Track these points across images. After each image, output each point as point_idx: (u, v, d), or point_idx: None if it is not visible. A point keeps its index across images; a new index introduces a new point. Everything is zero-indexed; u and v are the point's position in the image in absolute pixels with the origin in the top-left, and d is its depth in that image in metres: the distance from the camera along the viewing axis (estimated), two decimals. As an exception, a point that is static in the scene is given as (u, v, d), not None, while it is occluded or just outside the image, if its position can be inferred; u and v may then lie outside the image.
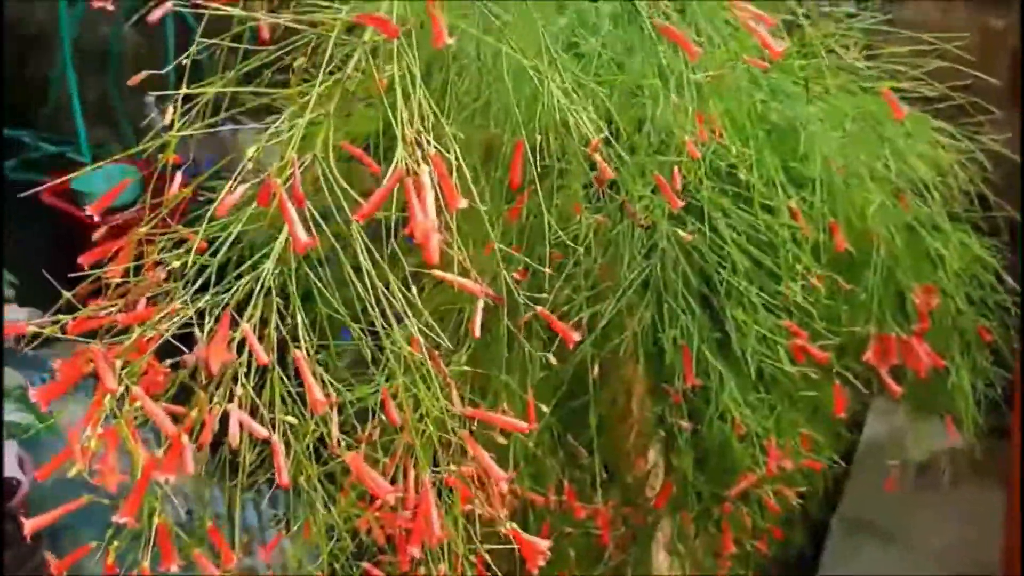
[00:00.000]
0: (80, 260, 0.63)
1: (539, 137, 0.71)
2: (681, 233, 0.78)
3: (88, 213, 0.64)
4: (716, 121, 0.83)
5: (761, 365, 0.91)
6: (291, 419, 0.56)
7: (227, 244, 0.60)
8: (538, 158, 0.72)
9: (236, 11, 0.60)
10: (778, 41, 0.69)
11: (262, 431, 0.53)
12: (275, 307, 0.59)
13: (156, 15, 0.58)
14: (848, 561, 1.75)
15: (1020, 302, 1.21)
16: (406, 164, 0.50)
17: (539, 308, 0.65)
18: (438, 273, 0.59)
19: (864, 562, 1.74)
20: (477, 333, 0.58)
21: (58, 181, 0.82)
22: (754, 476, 0.92)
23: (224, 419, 0.53)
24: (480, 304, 0.58)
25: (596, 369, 0.83)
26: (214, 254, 0.60)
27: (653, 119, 0.81)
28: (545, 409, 0.80)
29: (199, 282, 0.58)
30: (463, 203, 0.53)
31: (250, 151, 0.53)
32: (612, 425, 0.93)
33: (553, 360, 0.69)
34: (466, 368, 0.71)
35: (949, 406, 1.21)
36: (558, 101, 0.65)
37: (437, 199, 0.52)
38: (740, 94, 0.87)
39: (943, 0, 1.80)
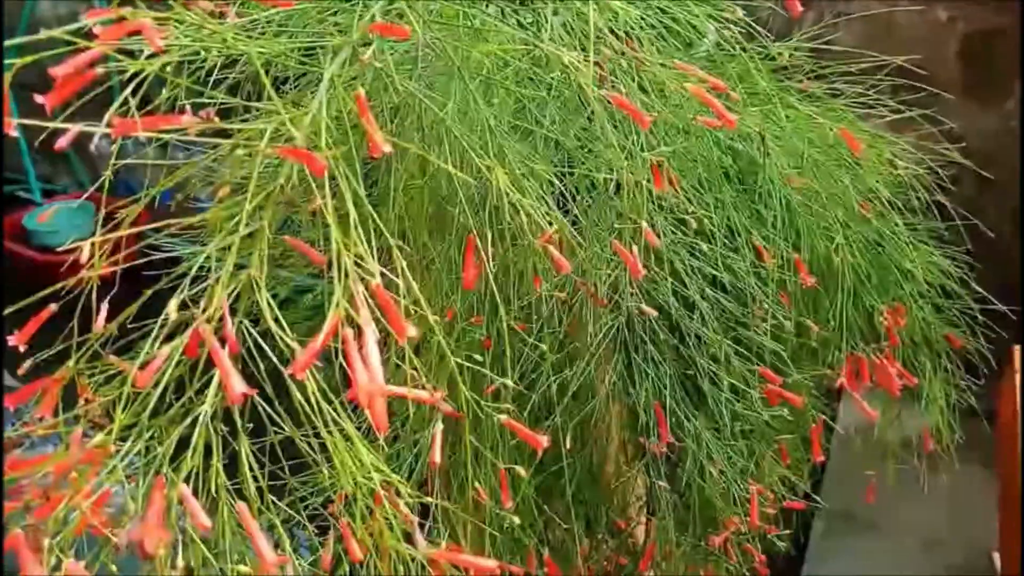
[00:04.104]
0: (7, 403, 0.59)
1: (491, 212, 0.68)
2: (644, 308, 0.75)
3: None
4: (673, 170, 0.80)
5: (735, 413, 0.89)
6: (245, 569, 0.53)
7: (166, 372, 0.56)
8: (494, 222, 0.69)
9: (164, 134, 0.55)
10: (734, 106, 0.66)
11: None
12: (219, 438, 0.55)
13: (63, 143, 0.54)
14: (832, 556, 1.75)
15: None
16: (344, 311, 0.46)
17: (504, 418, 0.62)
18: (394, 390, 0.55)
19: (849, 555, 1.74)
20: (437, 460, 0.55)
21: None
22: (736, 524, 0.90)
23: None
24: (439, 427, 0.55)
25: (568, 440, 0.80)
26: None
27: (606, 177, 0.78)
28: (521, 472, 0.76)
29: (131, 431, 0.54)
30: (412, 332, 0.49)
31: (172, 306, 0.49)
32: (591, 487, 0.91)
33: (522, 471, 0.66)
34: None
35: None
36: (506, 192, 0.61)
37: (384, 330, 0.48)
38: (698, 142, 0.84)
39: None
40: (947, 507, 1.69)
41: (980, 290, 1.20)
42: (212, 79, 0.71)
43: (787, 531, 0.99)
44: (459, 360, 0.63)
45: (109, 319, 0.60)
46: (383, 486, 0.53)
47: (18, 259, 2.26)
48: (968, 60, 1.80)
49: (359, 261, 0.50)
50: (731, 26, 0.86)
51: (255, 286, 0.55)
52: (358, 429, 0.59)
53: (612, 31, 0.72)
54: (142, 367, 0.48)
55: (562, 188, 0.81)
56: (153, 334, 0.51)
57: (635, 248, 0.68)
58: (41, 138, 0.58)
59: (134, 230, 0.56)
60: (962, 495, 1.65)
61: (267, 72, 0.67)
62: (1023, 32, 1.69)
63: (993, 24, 1.77)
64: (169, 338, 0.53)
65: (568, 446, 0.80)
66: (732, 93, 0.74)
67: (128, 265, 0.59)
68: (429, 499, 0.60)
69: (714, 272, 0.88)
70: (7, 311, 0.63)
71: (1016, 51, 1.72)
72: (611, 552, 0.96)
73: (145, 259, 0.69)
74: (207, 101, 0.62)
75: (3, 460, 0.55)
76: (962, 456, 1.34)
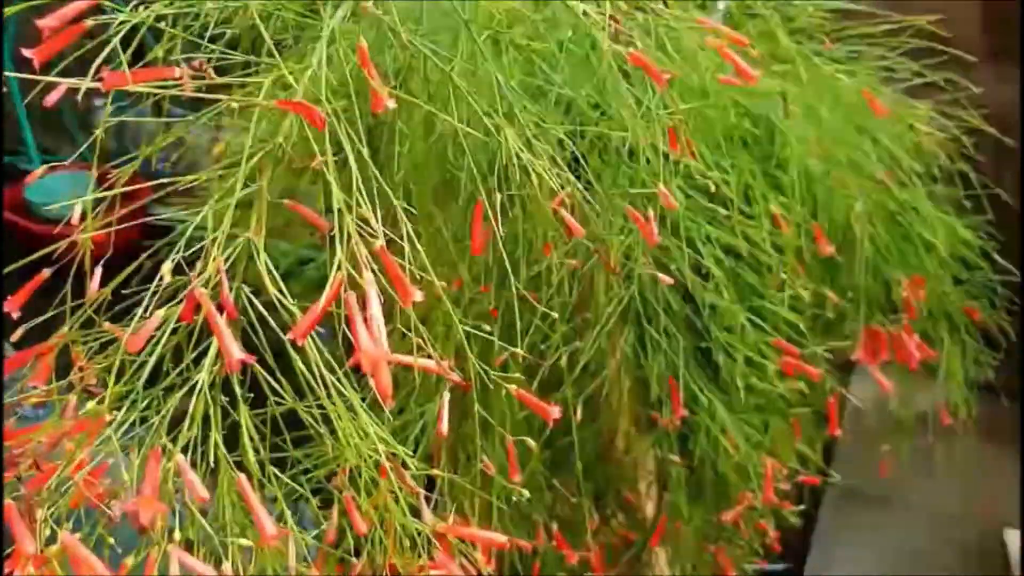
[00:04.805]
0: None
1: (500, 176, 0.65)
2: (661, 276, 0.73)
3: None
4: (689, 133, 0.77)
5: (750, 385, 0.86)
6: (245, 542, 0.51)
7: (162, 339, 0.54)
8: (503, 187, 0.66)
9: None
10: (753, 66, 0.63)
11: (205, 568, 0.47)
12: (218, 408, 0.53)
13: (52, 97, 0.51)
14: (843, 531, 1.73)
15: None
16: (346, 272, 0.43)
17: (514, 388, 0.59)
18: (400, 358, 0.53)
19: (859, 530, 1.72)
20: (444, 431, 0.52)
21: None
22: (749, 499, 0.88)
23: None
24: (446, 397, 0.53)
25: (579, 411, 0.77)
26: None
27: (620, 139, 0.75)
28: (531, 444, 0.74)
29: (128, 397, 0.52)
30: (418, 296, 0.47)
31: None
32: (601, 461, 0.88)
33: (532, 443, 0.64)
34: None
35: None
36: (517, 153, 0.58)
37: (389, 298, 0.46)
38: (715, 105, 0.81)
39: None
40: (961, 483, 1.67)
41: (1002, 261, 1.16)
42: (208, 34, 0.68)
43: (800, 506, 0.98)
44: (466, 329, 0.60)
45: (104, 286, 0.58)
46: (388, 458, 0.51)
47: (20, 230, 2.24)
48: (990, 25, 1.75)
49: (361, 224, 0.47)
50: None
51: (254, 250, 0.53)
52: (363, 400, 0.57)
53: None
54: (135, 332, 0.46)
55: (574, 151, 0.78)
56: (147, 300, 0.49)
57: (650, 213, 0.65)
58: (33, 94, 0.56)
59: (127, 189, 0.53)
60: (977, 471, 1.63)
61: (265, 27, 0.64)
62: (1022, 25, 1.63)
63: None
64: (165, 304, 0.51)
65: (578, 419, 0.78)
66: (752, 51, 0.71)
67: (123, 227, 0.56)
68: (436, 472, 0.58)
69: (730, 241, 0.85)
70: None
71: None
72: (621, 527, 0.94)
73: (141, 221, 0.67)
74: (203, 55, 0.59)
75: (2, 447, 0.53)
76: (979, 432, 1.32)
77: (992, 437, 1.53)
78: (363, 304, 0.43)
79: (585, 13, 0.57)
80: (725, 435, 0.83)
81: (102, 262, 0.56)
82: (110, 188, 0.61)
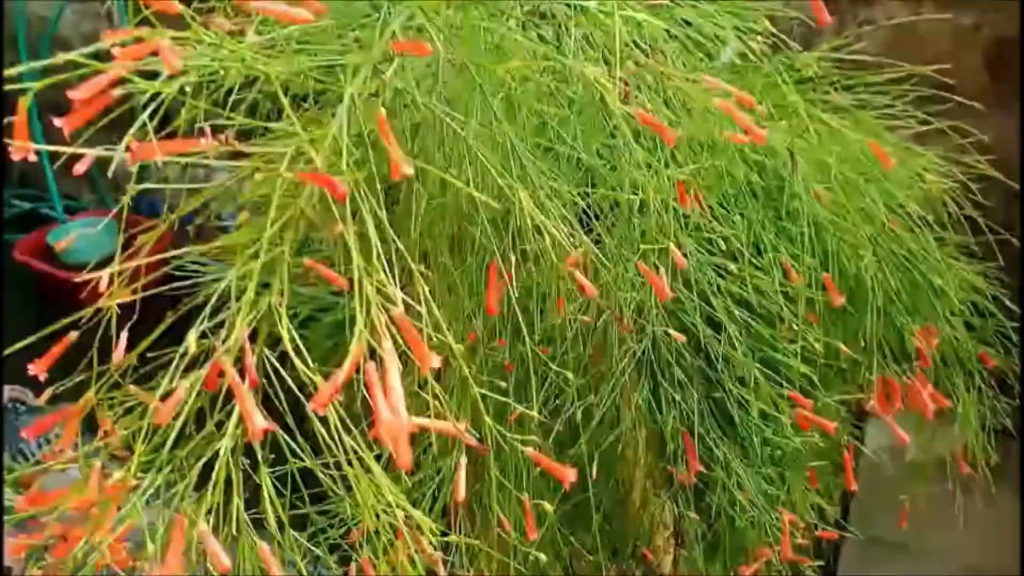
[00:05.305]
0: (25, 434, 0.57)
1: (514, 233, 0.66)
2: (673, 333, 0.73)
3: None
4: (698, 187, 0.78)
5: (765, 439, 0.86)
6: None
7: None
8: (517, 242, 0.67)
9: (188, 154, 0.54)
10: (759, 120, 0.64)
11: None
12: (239, 472, 0.54)
13: (80, 168, 0.53)
14: (863, 579, 1.70)
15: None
16: (366, 340, 0.44)
17: (529, 450, 0.59)
18: (417, 421, 0.53)
19: (880, 577, 1.69)
20: (461, 496, 0.53)
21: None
22: (767, 555, 0.87)
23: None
24: (463, 460, 0.53)
25: (595, 468, 0.77)
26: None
27: (631, 193, 0.76)
28: (547, 507, 0.74)
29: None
30: (436, 362, 0.48)
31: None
32: (618, 515, 0.88)
33: (547, 506, 0.64)
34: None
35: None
36: (529, 214, 0.59)
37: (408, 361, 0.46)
38: (724, 158, 0.82)
39: (912, 5, 1.76)
40: (981, 532, 1.64)
41: (1014, 307, 1.16)
42: (232, 98, 0.70)
43: (819, 562, 0.96)
44: (482, 389, 0.61)
45: (130, 342, 0.59)
46: (405, 522, 0.51)
47: (41, 276, 2.28)
48: (995, 68, 1.77)
49: (380, 288, 0.48)
50: (756, 37, 0.85)
51: (275, 313, 0.54)
52: (380, 458, 0.57)
53: (635, 44, 0.71)
54: (162, 399, 0.47)
55: (585, 207, 0.79)
56: (173, 364, 0.50)
57: (661, 269, 0.66)
58: (61, 160, 0.57)
59: (154, 258, 0.55)
60: (996, 519, 1.60)
61: (287, 91, 0.66)
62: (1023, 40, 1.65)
63: (1019, 31, 1.74)
64: (189, 368, 0.52)
65: (594, 475, 0.78)
66: (759, 107, 0.72)
67: (149, 293, 0.58)
68: (452, 537, 0.58)
69: (741, 292, 0.85)
70: (32, 338, 0.62)
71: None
72: (639, 581, 0.93)
73: (166, 286, 0.68)
74: (226, 123, 0.60)
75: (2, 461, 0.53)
76: (997, 479, 1.30)
77: (1010, 483, 1.51)
78: (383, 374, 0.43)
79: (595, 79, 0.59)
80: (741, 490, 0.82)
81: (129, 325, 0.57)
82: (134, 239, 0.63)
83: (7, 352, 0.63)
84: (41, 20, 2.44)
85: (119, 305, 0.61)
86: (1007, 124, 1.72)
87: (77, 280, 0.60)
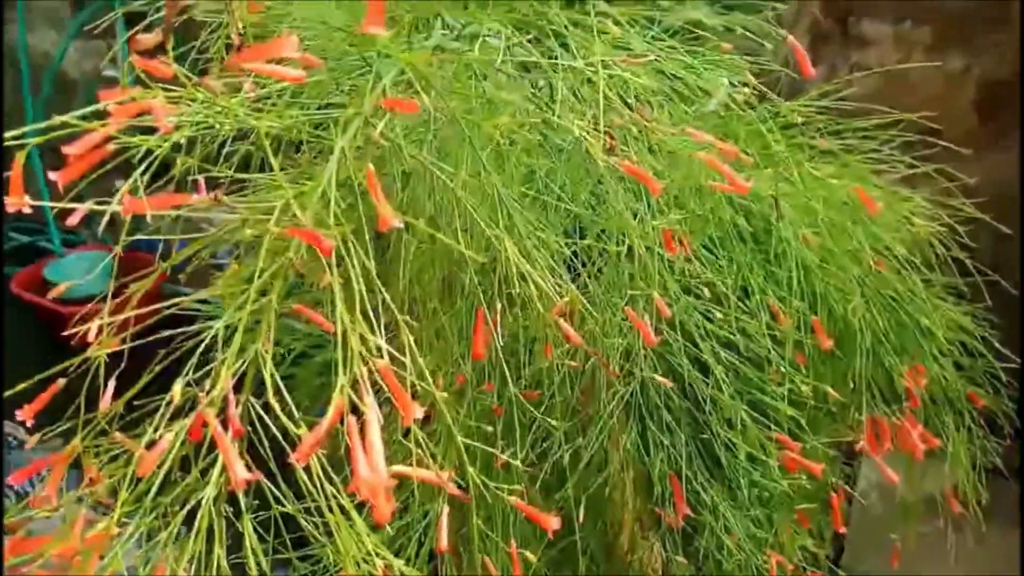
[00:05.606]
0: (11, 480, 0.58)
1: (501, 279, 0.67)
2: (659, 378, 0.74)
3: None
4: (685, 232, 0.79)
5: (753, 481, 0.87)
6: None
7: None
8: (504, 288, 0.68)
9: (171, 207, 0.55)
10: (744, 177, 0.65)
11: None
12: (223, 519, 0.54)
13: (73, 220, 0.54)
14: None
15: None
16: (347, 396, 0.45)
17: (514, 500, 0.60)
18: (399, 470, 0.54)
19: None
20: (444, 545, 0.53)
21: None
22: (756, 598, 0.87)
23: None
24: (445, 509, 0.53)
25: (582, 512, 0.78)
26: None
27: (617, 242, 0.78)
28: (531, 557, 0.75)
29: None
30: (419, 413, 0.48)
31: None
32: (606, 559, 0.88)
33: (531, 557, 0.64)
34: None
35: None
36: (516, 264, 0.60)
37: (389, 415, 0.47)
38: (711, 203, 0.83)
39: (903, 50, 1.79)
40: (972, 569, 1.63)
41: (1002, 349, 1.17)
42: (227, 149, 0.71)
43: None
44: (469, 434, 0.61)
45: (123, 386, 0.60)
46: (385, 572, 0.52)
47: (37, 309, 2.29)
48: (983, 110, 1.80)
49: (365, 338, 0.49)
50: (743, 88, 0.86)
51: (261, 361, 0.54)
52: (364, 505, 0.57)
53: (621, 97, 0.72)
54: (148, 447, 0.48)
55: (573, 253, 0.80)
56: (159, 413, 0.51)
57: (646, 316, 0.67)
58: (56, 209, 0.58)
59: (145, 309, 0.56)
60: (988, 557, 1.60)
61: (280, 142, 0.68)
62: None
63: (1007, 74, 1.77)
64: (177, 414, 0.53)
65: (581, 519, 0.78)
66: (744, 156, 0.74)
67: (139, 344, 0.59)
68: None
69: (729, 335, 0.86)
70: (22, 385, 0.62)
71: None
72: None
73: (158, 330, 0.69)
74: (219, 175, 0.62)
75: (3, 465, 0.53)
76: (989, 517, 1.30)
77: (1002, 521, 1.51)
78: (363, 429, 0.44)
79: (581, 134, 0.60)
80: (729, 533, 0.83)
81: (117, 373, 0.58)
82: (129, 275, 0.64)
83: (8, 393, 0.64)
84: (44, 55, 2.48)
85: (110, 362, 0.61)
86: (996, 166, 1.74)
87: (73, 311, 0.61)
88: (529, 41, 0.67)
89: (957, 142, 1.17)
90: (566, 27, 0.64)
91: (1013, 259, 1.54)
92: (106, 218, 0.57)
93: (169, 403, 0.52)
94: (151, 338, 0.61)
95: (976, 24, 1.76)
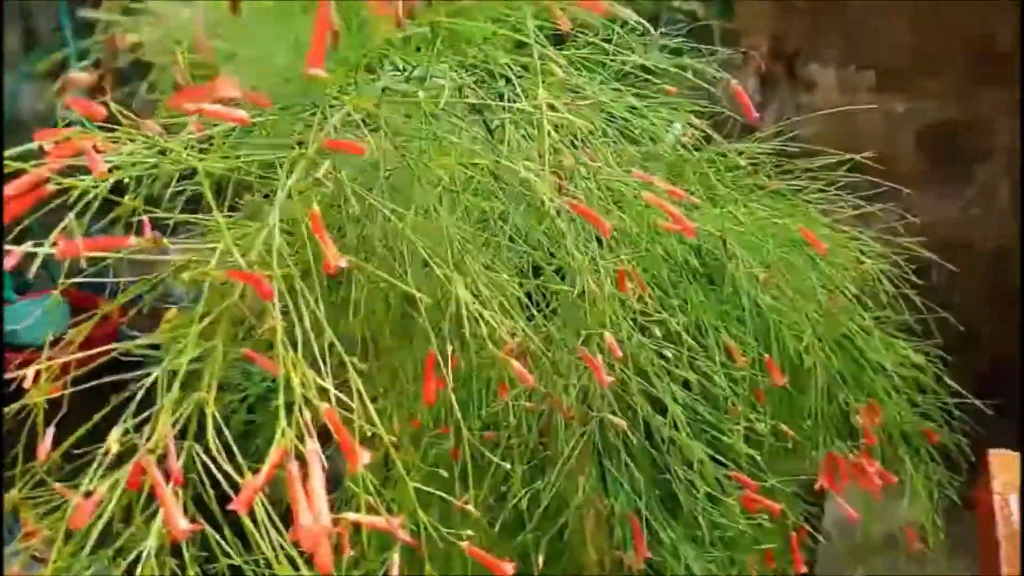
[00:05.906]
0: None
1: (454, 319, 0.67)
2: (615, 420, 0.74)
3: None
4: (637, 273, 0.80)
5: (713, 521, 0.86)
6: None
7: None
8: (458, 329, 0.68)
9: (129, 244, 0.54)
10: (692, 213, 0.66)
11: None
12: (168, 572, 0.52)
13: (8, 263, 0.52)
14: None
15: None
16: (290, 440, 0.44)
17: (466, 545, 0.59)
18: (348, 517, 0.52)
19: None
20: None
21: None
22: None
23: None
24: (396, 559, 0.52)
25: (540, 560, 0.76)
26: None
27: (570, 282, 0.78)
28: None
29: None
30: (366, 458, 0.47)
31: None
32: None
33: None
34: None
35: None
36: (467, 304, 0.60)
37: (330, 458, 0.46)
38: (663, 242, 0.84)
39: (848, 93, 1.85)
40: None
41: (954, 384, 1.19)
42: (172, 189, 0.70)
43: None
44: (425, 479, 0.60)
45: (65, 429, 0.58)
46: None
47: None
48: (927, 151, 1.86)
49: (307, 384, 0.48)
50: (691, 129, 0.88)
51: (205, 406, 0.53)
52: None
53: (572, 138, 0.73)
54: (85, 496, 0.46)
55: (526, 293, 0.80)
56: (96, 462, 0.49)
57: (600, 357, 0.67)
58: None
59: (93, 352, 0.54)
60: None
61: (228, 183, 0.67)
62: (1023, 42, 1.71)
63: (949, 115, 1.84)
64: (120, 462, 0.51)
65: (540, 564, 0.77)
66: (692, 197, 0.75)
67: (82, 389, 0.57)
68: None
69: (685, 375, 0.86)
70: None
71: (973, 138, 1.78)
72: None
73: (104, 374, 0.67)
74: (163, 216, 0.61)
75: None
76: (949, 549, 1.31)
77: (964, 553, 1.52)
78: (305, 476, 0.43)
79: (529, 176, 0.61)
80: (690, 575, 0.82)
81: (56, 420, 0.56)
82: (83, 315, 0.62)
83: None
84: (-4, 100, 2.44)
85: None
86: (942, 205, 1.80)
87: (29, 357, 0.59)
88: (478, 83, 0.68)
89: (901, 182, 1.21)
90: (511, 69, 0.65)
91: (962, 296, 1.57)
92: (65, 264, 0.56)
93: (106, 453, 0.50)
94: (92, 383, 0.60)
95: (917, 70, 1.83)
